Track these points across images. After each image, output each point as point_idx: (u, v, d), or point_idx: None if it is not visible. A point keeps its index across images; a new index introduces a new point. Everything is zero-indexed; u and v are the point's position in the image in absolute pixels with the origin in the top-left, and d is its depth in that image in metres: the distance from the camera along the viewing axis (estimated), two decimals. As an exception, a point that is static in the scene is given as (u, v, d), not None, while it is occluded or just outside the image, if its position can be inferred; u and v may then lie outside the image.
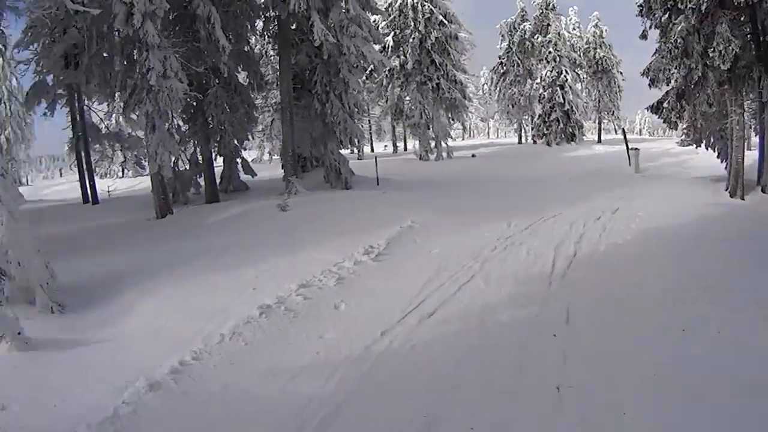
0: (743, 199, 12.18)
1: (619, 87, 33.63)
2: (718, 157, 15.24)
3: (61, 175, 38.51)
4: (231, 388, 4.14)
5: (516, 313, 5.32)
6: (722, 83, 12.23)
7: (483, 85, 44.34)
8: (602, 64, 32.46)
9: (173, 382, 4.18)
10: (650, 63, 13.55)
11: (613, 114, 34.52)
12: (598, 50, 32.49)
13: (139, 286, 6.51)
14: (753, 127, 16.49)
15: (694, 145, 15.82)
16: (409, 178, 17.19)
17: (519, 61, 31.68)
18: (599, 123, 34.91)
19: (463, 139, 43.60)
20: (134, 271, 7.17)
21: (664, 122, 14.51)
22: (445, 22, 24.21)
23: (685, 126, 15.38)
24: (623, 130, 24.11)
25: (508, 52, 32.17)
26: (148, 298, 6.16)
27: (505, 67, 32.40)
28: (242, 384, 4.21)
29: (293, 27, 14.37)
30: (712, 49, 10.80)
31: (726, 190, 12.78)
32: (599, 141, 33.30)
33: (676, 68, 11.97)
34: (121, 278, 6.88)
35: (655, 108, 14.08)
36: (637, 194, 12.53)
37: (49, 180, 39.84)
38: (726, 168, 13.53)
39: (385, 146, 38.23)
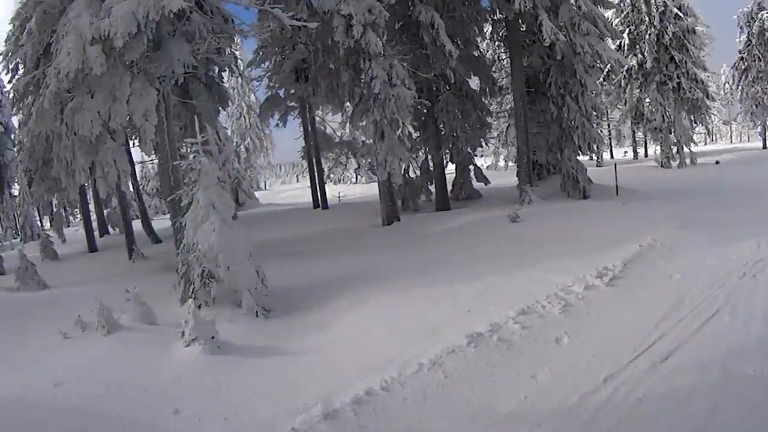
0: None
1: None
2: None
3: (297, 181, 43.81)
4: (415, 430, 3.64)
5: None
6: None
7: (724, 84, 39.33)
8: None
9: (352, 413, 3.81)
10: None
11: None
12: None
13: (349, 295, 6.43)
14: None
15: None
16: (649, 186, 15.24)
17: (761, 55, 27.27)
18: None
19: (705, 144, 39.39)
20: (347, 279, 7.15)
21: None
22: (681, 14, 22.05)
23: None
24: None
25: (748, 46, 27.80)
26: (355, 310, 5.99)
27: (746, 63, 28.10)
28: (429, 427, 3.67)
29: (522, 28, 13.76)
30: None
31: None
32: None
33: None
34: (334, 286, 6.88)
35: None
36: None
37: (286, 185, 46.08)
38: None
39: (625, 152, 36.36)
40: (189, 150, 6.42)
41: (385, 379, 4.20)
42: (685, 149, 22.67)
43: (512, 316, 5.27)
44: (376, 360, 4.57)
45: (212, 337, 5.03)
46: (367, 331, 5.36)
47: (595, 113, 14.22)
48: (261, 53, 16.86)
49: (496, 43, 16.32)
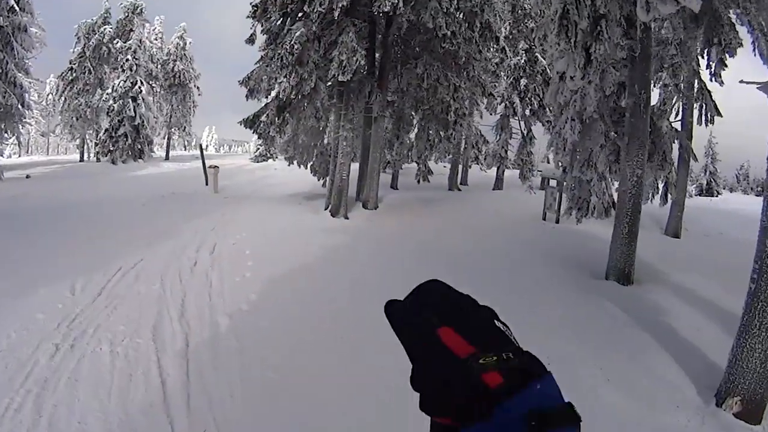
0: (347, 217, 12.46)
1: (194, 102, 33.00)
2: (314, 174, 15.62)
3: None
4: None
5: None
6: (332, 96, 12.32)
7: (48, 94, 37.41)
8: (180, 77, 31.37)
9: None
10: (252, 72, 12.96)
11: (184, 129, 33.51)
12: (179, 62, 31.31)
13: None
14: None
15: (286, 162, 15.90)
16: None
17: (92, 68, 27.86)
18: (168, 139, 33.54)
19: (20, 156, 36.79)
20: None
21: (259, 137, 14.18)
22: (17, 9, 19.16)
23: (284, 140, 15.10)
24: (201, 146, 22.83)
25: (81, 57, 27.99)
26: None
27: (75, 74, 28.05)
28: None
29: None
30: (332, 59, 10.61)
31: (326, 209, 12.85)
32: (167, 158, 32.12)
33: (286, 77, 11.31)
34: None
35: (251, 122, 13.57)
36: (230, 221, 11.23)
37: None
38: (327, 186, 13.54)
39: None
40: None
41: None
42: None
43: None
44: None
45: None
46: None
47: None
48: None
49: None
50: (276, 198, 15.29)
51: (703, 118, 11.89)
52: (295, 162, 15.52)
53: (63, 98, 28.60)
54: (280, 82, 11.46)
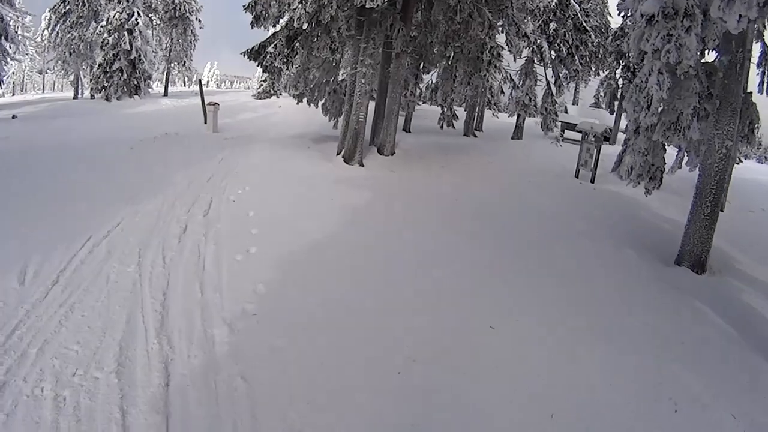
0: (362, 164, 11.24)
1: (195, 36, 31.19)
2: (326, 114, 14.22)
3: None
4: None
5: None
6: (350, 27, 10.90)
7: (43, 30, 34.62)
8: (180, 9, 29.43)
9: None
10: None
11: (184, 64, 31.80)
12: (179, -8, 29.17)
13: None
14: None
15: (294, 99, 14.35)
16: None
17: (85, 0, 25.90)
18: (167, 74, 31.77)
19: (13, 95, 35.49)
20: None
21: (265, 71, 12.45)
22: None
23: (293, 75, 13.61)
24: (200, 81, 20.95)
25: None
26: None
27: (68, 6, 26.14)
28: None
29: None
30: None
31: (338, 154, 11.57)
32: (166, 94, 30.47)
33: (301, 2, 9.72)
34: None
35: (256, 53, 12.08)
36: (230, 170, 9.57)
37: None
38: (340, 128, 12.17)
39: None
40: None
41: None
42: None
43: None
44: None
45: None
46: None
47: None
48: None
49: None
50: (281, 140, 13.79)
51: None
52: (304, 100, 14.10)
53: (55, 32, 26.48)
54: (294, 9, 9.81)
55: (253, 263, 5.39)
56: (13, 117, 18.58)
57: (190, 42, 30.96)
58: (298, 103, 14.88)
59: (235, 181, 8.62)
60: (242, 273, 5.14)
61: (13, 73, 40.54)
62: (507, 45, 16.14)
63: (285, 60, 11.41)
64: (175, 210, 6.91)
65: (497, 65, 13.52)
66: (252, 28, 12.05)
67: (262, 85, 33.14)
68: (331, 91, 13.84)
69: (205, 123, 15.78)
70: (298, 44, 11.32)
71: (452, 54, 13.98)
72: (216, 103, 15.29)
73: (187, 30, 30.41)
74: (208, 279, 4.99)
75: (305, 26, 10.56)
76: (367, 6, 9.31)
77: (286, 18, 11.34)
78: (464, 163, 12.66)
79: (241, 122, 17.90)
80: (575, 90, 27.12)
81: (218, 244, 5.85)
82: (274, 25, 12.06)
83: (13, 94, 36.26)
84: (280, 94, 31.88)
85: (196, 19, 30.64)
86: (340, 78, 13.92)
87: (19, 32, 26.18)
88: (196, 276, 5.04)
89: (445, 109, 17.17)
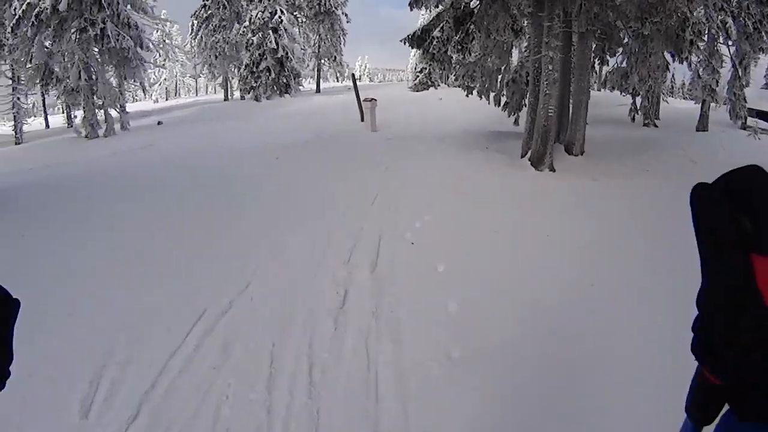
0: (553, 169, 9.07)
1: (343, 30, 30.77)
2: (504, 109, 12.43)
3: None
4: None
5: None
6: (530, 3, 8.89)
7: (190, 35, 35.52)
8: (325, 4, 29.03)
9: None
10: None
11: (335, 60, 31.28)
12: (323, -12, 28.61)
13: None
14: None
15: (463, 90, 12.24)
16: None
17: (226, 2, 26.24)
18: (318, 71, 31.47)
19: (167, 100, 37.82)
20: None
21: (432, 59, 10.73)
22: None
23: (465, 63, 11.29)
24: (353, 76, 18.94)
25: None
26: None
27: (209, 10, 26.73)
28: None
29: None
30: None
31: (523, 156, 9.58)
32: (318, 91, 29.96)
33: None
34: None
35: (418, 39, 10.58)
36: (398, 185, 7.13)
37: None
38: (525, 125, 10.18)
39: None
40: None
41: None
42: (113, 113, 18.45)
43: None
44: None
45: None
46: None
47: None
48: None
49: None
50: (450, 138, 11.82)
51: None
52: (474, 92, 12.97)
53: (200, 37, 27.91)
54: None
55: (461, 382, 2.79)
56: (159, 123, 19.75)
57: (339, 37, 30.95)
58: (467, 95, 13.77)
59: (409, 205, 6.19)
60: (447, 411, 2.58)
61: (165, 79, 43.33)
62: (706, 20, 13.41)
63: (459, 47, 9.91)
64: (328, 259, 4.61)
65: (698, 45, 11.10)
66: (411, 9, 10.58)
67: (418, 76, 31.61)
68: (509, 81, 12.38)
69: (362, 121, 14.80)
70: (472, 26, 9.66)
71: (650, 32, 11.80)
72: (373, 99, 14.11)
73: (335, 25, 30.42)
74: (386, 422, 2.54)
75: (476, 3, 9.07)
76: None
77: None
78: (669, 165, 10.17)
79: (400, 118, 16.36)
80: (745, 70, 22.84)
81: (397, 341, 3.22)
82: (436, 6, 10.60)
83: (167, 99, 38.92)
84: (438, 85, 30.27)
85: (343, 13, 30.56)
86: (515, 64, 12.55)
87: (165, 41, 27.76)
88: (365, 417, 2.59)
89: (644, 101, 14.83)
